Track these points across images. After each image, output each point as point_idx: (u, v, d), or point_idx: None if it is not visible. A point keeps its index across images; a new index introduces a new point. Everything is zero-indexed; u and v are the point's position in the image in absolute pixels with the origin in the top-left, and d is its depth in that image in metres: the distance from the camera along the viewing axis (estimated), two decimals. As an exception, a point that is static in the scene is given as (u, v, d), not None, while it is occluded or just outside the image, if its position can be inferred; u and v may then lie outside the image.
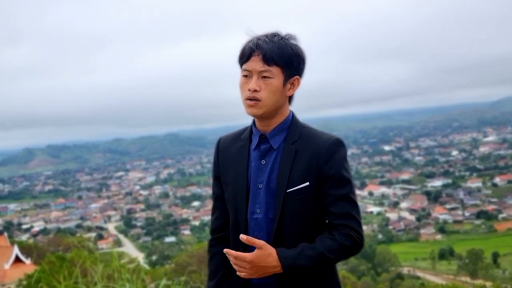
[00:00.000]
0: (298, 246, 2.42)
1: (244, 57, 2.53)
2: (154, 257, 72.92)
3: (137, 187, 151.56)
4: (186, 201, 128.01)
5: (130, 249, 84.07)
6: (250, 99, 2.51)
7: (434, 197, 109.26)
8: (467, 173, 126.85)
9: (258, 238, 2.49)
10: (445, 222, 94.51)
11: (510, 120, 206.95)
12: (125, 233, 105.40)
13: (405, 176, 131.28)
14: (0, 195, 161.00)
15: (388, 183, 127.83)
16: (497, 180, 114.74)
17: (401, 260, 70.25)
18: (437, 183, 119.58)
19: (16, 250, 35.86)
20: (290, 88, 2.57)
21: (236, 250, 2.57)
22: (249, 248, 2.49)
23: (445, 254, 74.15)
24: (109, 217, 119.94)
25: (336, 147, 2.53)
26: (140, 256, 67.63)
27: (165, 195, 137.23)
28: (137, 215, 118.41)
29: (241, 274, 2.42)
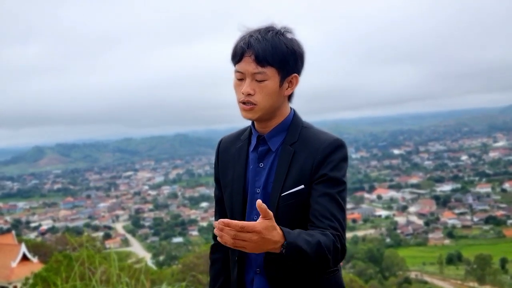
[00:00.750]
0: (294, 230, 2.14)
1: (236, 57, 2.34)
2: (161, 258, 73.00)
3: (146, 187, 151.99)
4: (194, 202, 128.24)
5: (137, 249, 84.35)
6: (245, 103, 2.34)
7: (443, 201, 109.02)
8: (476, 178, 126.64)
9: None
10: (453, 227, 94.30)
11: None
12: (133, 232, 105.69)
13: (414, 180, 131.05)
14: (9, 193, 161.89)
15: (397, 187, 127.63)
16: (506, 185, 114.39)
17: (409, 264, 70.02)
18: (446, 187, 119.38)
19: (23, 249, 35.95)
20: (288, 87, 2.39)
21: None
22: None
23: (453, 259, 73.90)
24: (117, 216, 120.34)
25: (334, 147, 2.34)
26: (147, 256, 67.83)
27: (174, 196, 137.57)
28: (145, 215, 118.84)
29: (242, 248, 2.03)
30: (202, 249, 36.51)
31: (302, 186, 2.30)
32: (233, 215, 2.49)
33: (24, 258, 35.55)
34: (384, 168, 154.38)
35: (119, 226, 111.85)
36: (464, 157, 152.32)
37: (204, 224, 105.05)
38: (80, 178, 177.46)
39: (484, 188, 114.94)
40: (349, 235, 74.40)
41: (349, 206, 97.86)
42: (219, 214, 2.68)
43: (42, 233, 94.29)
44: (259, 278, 2.45)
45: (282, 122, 2.44)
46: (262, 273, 2.43)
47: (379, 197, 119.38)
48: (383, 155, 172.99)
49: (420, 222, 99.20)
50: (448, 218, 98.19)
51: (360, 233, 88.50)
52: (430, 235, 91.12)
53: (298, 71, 2.40)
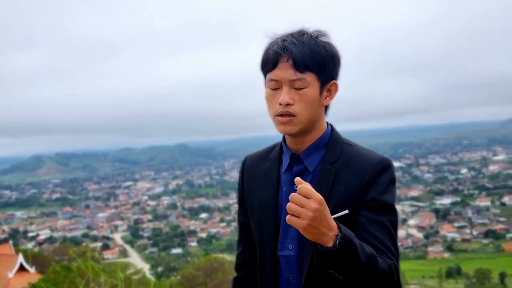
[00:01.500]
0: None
1: (269, 64, 2.04)
2: (160, 269, 72.73)
3: (145, 197, 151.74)
4: (194, 213, 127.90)
5: (136, 259, 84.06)
6: (282, 115, 2.03)
7: (442, 214, 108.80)
8: (476, 192, 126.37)
9: (290, 281, 2.12)
10: (453, 240, 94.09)
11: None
12: (131, 243, 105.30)
13: (414, 193, 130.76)
14: (7, 202, 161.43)
15: (397, 200, 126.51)
16: (506, 199, 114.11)
17: (408, 277, 69.70)
18: (446, 201, 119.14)
19: (20, 259, 35.69)
20: (327, 96, 2.10)
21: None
22: None
23: (453, 273, 73.59)
24: (116, 226, 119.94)
25: (383, 167, 2.08)
26: (146, 267, 67.55)
27: (173, 206, 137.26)
28: (144, 225, 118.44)
29: (295, 220, 1.75)
30: (201, 260, 36.36)
31: (347, 211, 1.91)
32: (263, 244, 2.20)
33: (21, 268, 35.26)
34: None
35: (117, 237, 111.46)
36: (464, 170, 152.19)
37: (204, 235, 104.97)
38: (79, 188, 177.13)
39: (483, 202, 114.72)
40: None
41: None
42: (243, 243, 2.39)
43: (40, 243, 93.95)
44: None
45: (320, 137, 2.15)
46: None
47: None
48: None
49: (420, 235, 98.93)
50: (448, 231, 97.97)
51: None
52: (430, 248, 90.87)
53: (337, 78, 2.14)
